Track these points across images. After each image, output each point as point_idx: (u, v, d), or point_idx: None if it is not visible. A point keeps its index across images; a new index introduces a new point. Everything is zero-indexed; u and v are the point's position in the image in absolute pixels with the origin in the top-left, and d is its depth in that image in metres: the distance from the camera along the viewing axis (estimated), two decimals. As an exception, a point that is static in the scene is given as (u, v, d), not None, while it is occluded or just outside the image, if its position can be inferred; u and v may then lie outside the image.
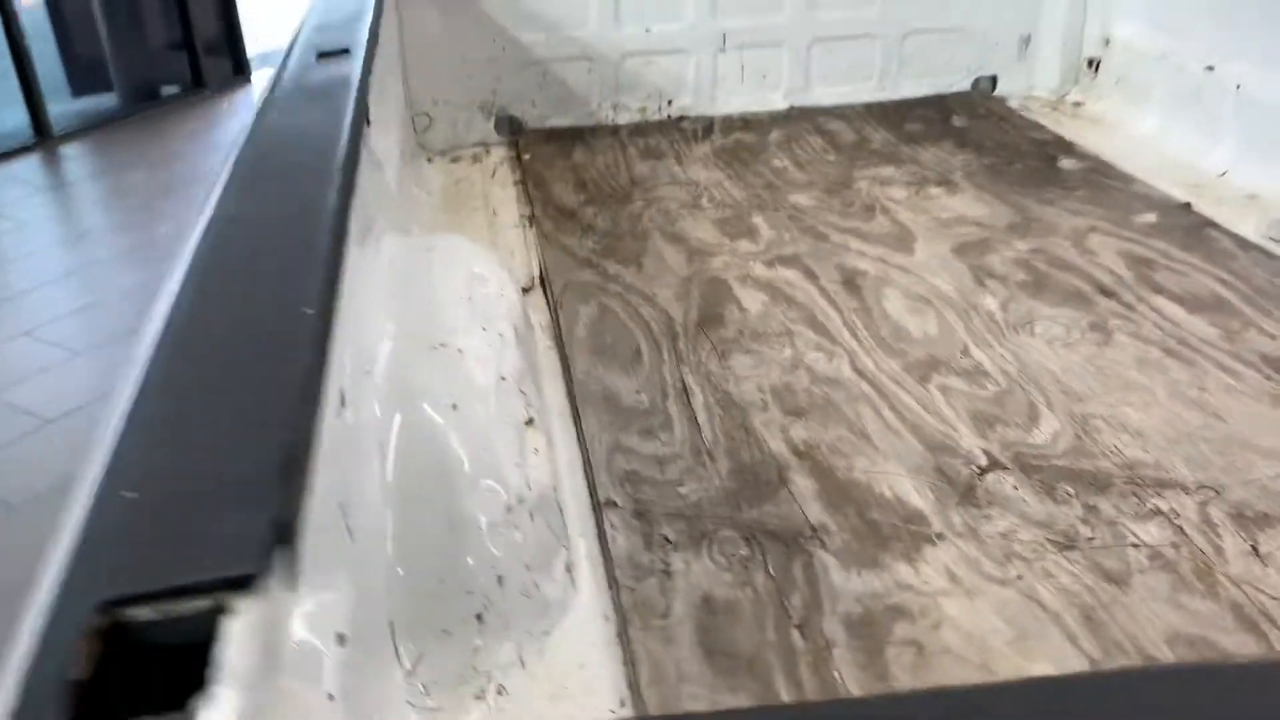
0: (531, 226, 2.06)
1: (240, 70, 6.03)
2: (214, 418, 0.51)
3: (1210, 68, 2.23)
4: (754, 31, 2.60)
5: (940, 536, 1.20)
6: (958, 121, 2.58)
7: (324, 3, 1.57)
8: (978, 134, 2.49)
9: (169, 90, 5.69)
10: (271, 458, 0.46)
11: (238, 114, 5.70)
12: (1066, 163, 2.30)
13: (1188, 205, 2.04)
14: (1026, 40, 2.72)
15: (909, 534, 1.21)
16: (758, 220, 2.06)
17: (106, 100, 5.49)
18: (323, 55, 1.19)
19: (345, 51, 1.20)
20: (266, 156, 0.86)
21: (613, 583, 1.14)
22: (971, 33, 2.70)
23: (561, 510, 1.19)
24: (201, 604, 0.37)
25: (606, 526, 1.21)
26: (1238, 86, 2.16)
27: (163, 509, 0.44)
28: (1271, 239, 1.88)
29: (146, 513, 0.43)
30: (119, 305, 3.78)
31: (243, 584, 0.38)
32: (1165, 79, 2.38)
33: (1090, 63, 2.64)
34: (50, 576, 0.40)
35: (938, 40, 2.70)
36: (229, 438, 0.49)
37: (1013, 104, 2.68)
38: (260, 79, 6.15)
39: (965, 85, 2.75)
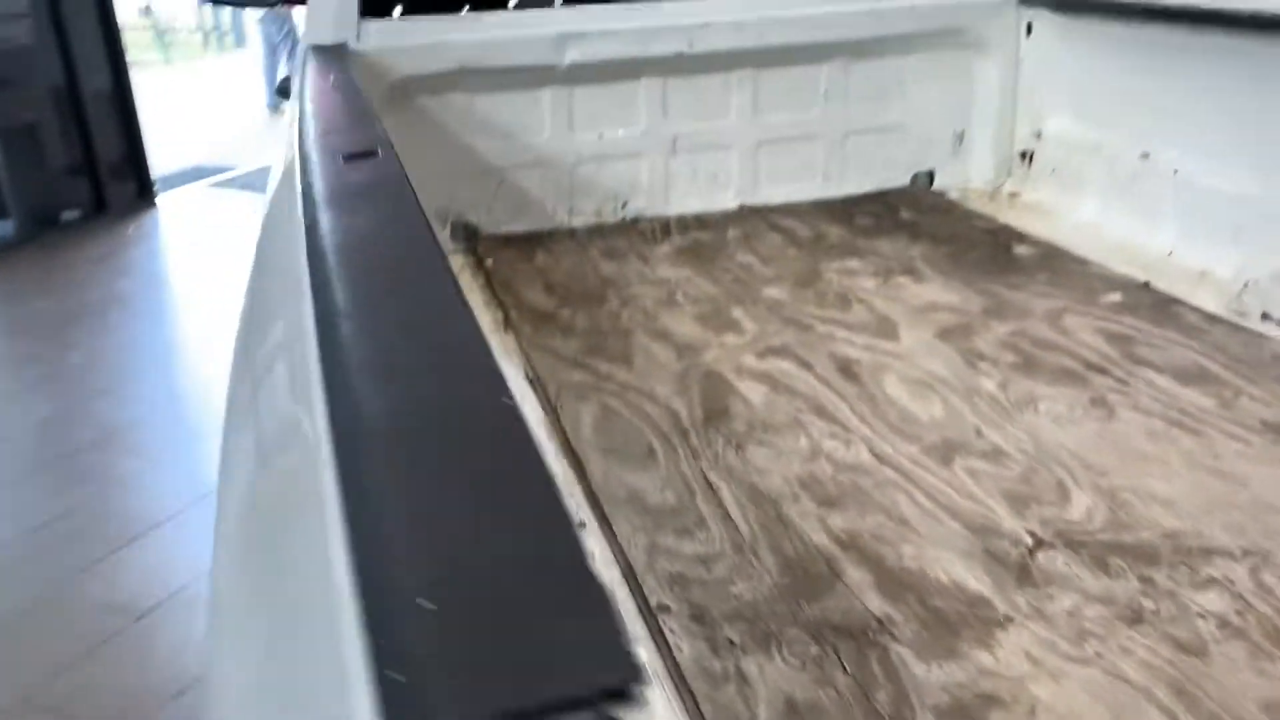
0: (509, 330, 2.01)
1: (144, 193, 5.89)
2: (463, 515, 0.45)
3: (1146, 155, 2.34)
4: (703, 135, 2.65)
5: (1009, 619, 1.17)
6: (905, 215, 2.65)
7: (313, 105, 1.53)
8: (928, 226, 2.55)
9: (70, 215, 5.51)
10: (564, 556, 0.40)
11: (145, 238, 5.55)
12: (1021, 249, 2.37)
13: (1147, 284, 2.11)
14: (960, 136, 2.82)
15: (976, 619, 1.17)
16: (738, 314, 2.05)
17: (2, 228, 5.28)
18: (350, 158, 1.14)
19: (373, 153, 1.16)
20: (352, 252, 0.80)
21: (686, 692, 1.07)
22: (908, 131, 2.79)
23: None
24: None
25: (666, 632, 1.15)
26: (1175, 171, 2.27)
27: (473, 618, 0.38)
28: (1234, 312, 1.95)
29: (458, 623, 0.37)
30: (27, 440, 3.57)
31: (624, 695, 0.32)
32: (1100, 167, 2.48)
33: (1024, 155, 2.75)
34: (359, 702, 0.34)
35: (877, 139, 2.79)
36: (496, 537, 0.43)
37: (953, 196, 2.77)
38: (166, 202, 6.02)
39: (905, 180, 2.83)
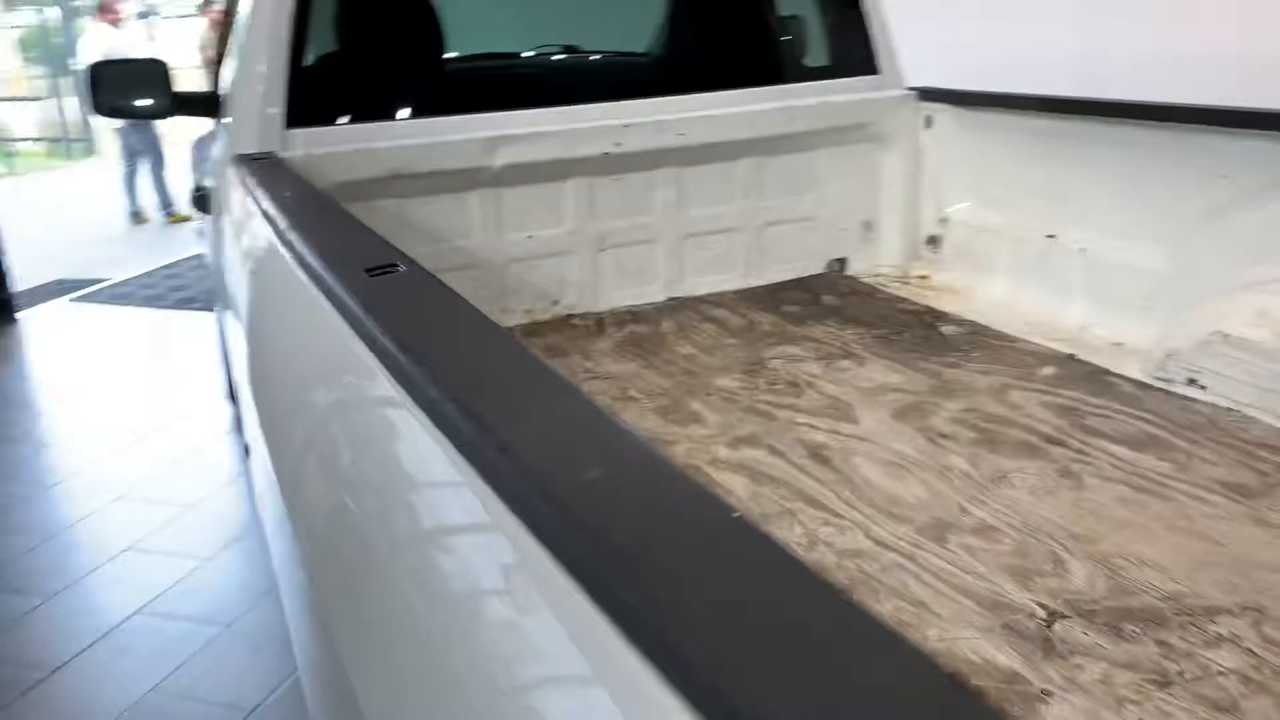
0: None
1: (4, 310, 5.57)
2: (795, 643, 0.43)
3: (1052, 235, 2.49)
4: (630, 231, 2.69)
5: (1048, 693, 1.19)
6: (828, 300, 2.73)
7: (285, 218, 1.48)
8: (853, 310, 2.64)
9: (-79, 337, 5.15)
10: (924, 672, 0.40)
11: (8, 358, 5.23)
12: (947, 329, 2.47)
13: (1072, 356, 2.23)
14: (869, 224, 2.94)
15: (1017, 695, 1.19)
16: (696, 406, 2.07)
17: None
18: (371, 271, 1.12)
19: (394, 266, 1.14)
20: (459, 373, 0.78)
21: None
22: (821, 221, 2.90)
23: None
24: None
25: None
26: (1082, 250, 2.42)
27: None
28: (1161, 380, 2.07)
29: None
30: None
31: None
32: (1008, 249, 2.63)
33: (931, 240, 2.89)
34: None
35: (792, 229, 2.88)
36: (854, 664, 0.42)
37: (867, 281, 2.88)
38: (28, 319, 5.71)
39: (820, 268, 2.93)
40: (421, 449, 0.74)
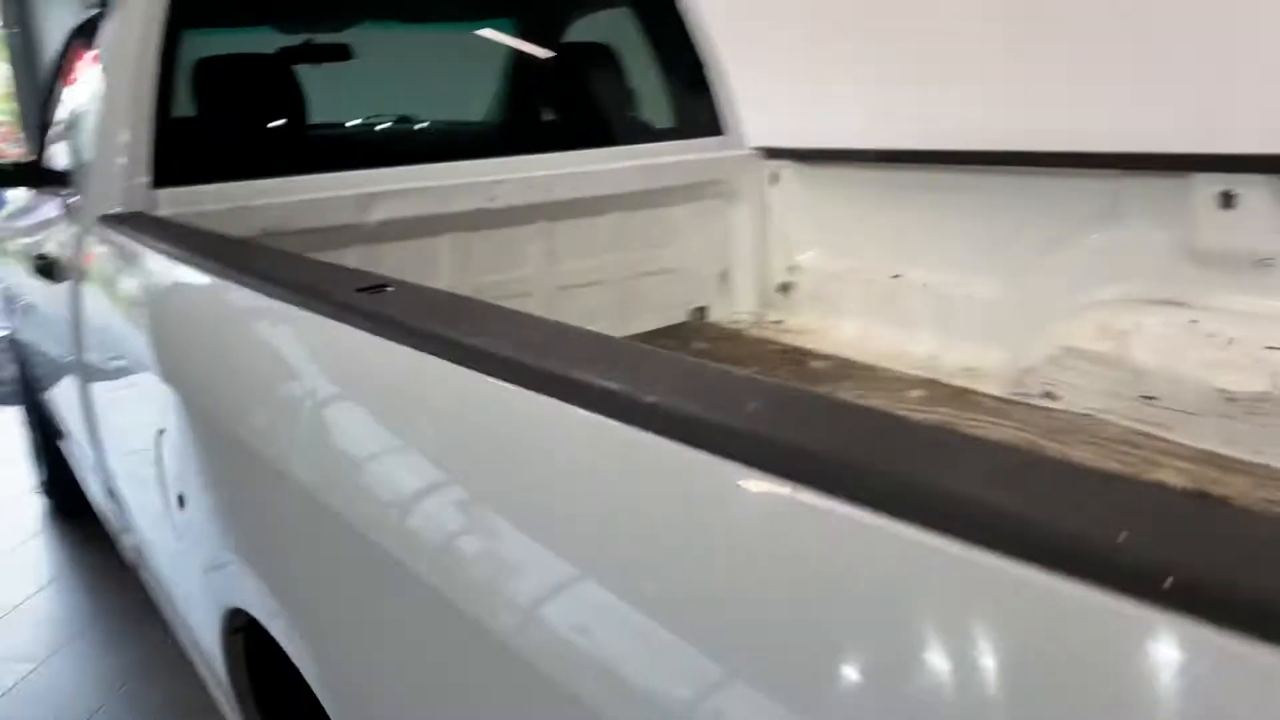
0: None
1: None
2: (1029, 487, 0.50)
3: (897, 275, 2.71)
4: (506, 284, 2.72)
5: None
6: (699, 345, 2.85)
7: (214, 261, 1.44)
8: (724, 352, 2.76)
9: None
10: (1148, 488, 0.48)
11: None
12: (815, 364, 2.63)
13: (934, 380, 2.42)
14: (725, 274, 3.10)
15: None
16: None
17: None
18: (361, 290, 1.12)
19: (384, 286, 1.14)
20: (532, 354, 0.80)
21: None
22: (681, 273, 3.03)
23: None
24: None
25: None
26: (924, 285, 2.64)
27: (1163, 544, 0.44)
28: (1020, 394, 2.28)
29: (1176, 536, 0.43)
30: None
31: None
32: (856, 290, 2.83)
33: (783, 286, 3.07)
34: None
35: (656, 281, 3.00)
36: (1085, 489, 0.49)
37: (728, 326, 3.02)
38: None
39: (684, 316, 3.05)
40: (551, 429, 0.75)
